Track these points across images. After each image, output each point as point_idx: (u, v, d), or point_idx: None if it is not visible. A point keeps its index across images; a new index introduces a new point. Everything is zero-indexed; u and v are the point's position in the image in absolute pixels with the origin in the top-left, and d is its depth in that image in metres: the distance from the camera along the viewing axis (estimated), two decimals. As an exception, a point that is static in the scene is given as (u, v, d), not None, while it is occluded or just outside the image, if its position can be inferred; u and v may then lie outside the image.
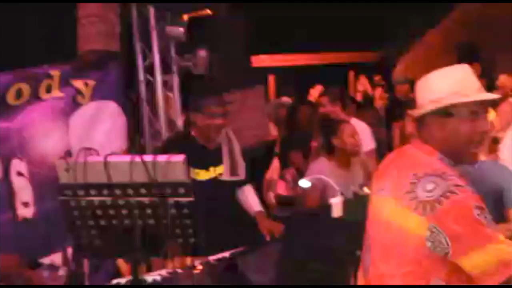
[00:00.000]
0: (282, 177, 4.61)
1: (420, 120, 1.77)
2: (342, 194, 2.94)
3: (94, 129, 3.89)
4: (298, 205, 4.11)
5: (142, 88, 4.75)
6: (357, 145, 3.81)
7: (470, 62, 8.46)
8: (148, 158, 2.15)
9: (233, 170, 3.35)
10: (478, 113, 1.70)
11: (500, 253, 1.57)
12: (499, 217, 2.95)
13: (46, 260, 3.28)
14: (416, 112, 1.77)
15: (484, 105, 1.74)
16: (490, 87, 8.10)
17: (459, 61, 9.79)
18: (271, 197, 4.62)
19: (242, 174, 3.39)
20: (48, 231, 3.44)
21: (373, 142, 4.98)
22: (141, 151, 4.40)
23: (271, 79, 8.47)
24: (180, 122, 4.81)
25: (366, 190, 3.25)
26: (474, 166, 2.94)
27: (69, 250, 3.20)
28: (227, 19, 5.11)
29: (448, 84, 1.72)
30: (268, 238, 3.13)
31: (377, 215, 1.80)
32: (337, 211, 2.72)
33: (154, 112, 4.77)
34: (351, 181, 3.72)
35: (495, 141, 3.68)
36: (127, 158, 2.17)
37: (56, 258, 3.35)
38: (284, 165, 4.73)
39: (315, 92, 7.25)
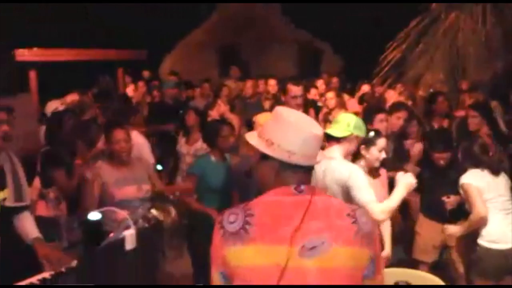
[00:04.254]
0: (43, 196, 4.33)
1: (313, 166, 1.85)
2: (134, 222, 3.02)
3: None
4: (63, 226, 4.02)
5: None
6: (124, 151, 4.04)
7: (230, 64, 9.30)
8: None
9: (18, 195, 3.13)
10: None
11: None
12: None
13: None
14: (319, 158, 1.85)
15: None
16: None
17: (220, 62, 10.64)
18: None
19: (27, 199, 3.21)
20: None
21: (151, 157, 5.14)
22: None
23: (32, 75, 7.88)
24: None
25: (154, 212, 3.39)
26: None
27: None
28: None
29: None
30: (46, 267, 3.04)
31: (326, 271, 1.69)
32: (130, 243, 2.77)
33: None
34: (133, 176, 4.00)
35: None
36: None
37: None
38: (45, 183, 4.42)
39: (72, 97, 7.00)
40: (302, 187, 1.78)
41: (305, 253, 1.68)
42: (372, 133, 3.85)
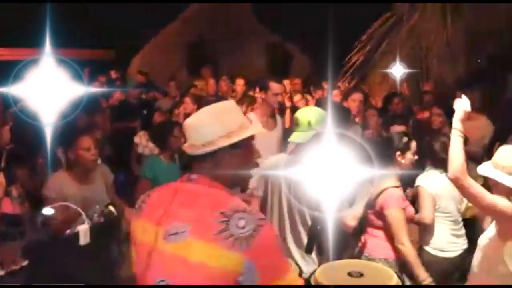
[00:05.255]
0: (8, 194, 4.17)
1: (208, 156, 1.83)
2: (90, 219, 3.00)
3: None
4: (28, 225, 3.97)
5: None
6: (92, 159, 3.79)
7: (199, 63, 9.19)
8: None
9: None
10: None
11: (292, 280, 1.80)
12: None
13: None
14: (209, 149, 1.81)
15: None
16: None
17: (188, 61, 10.50)
18: None
19: None
20: None
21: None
22: None
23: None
24: None
25: (111, 208, 3.36)
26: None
27: None
28: None
29: (236, 119, 1.87)
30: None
31: (177, 260, 1.72)
32: (84, 238, 2.75)
33: None
34: (92, 195, 3.72)
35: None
36: None
37: None
38: (10, 180, 4.24)
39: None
40: (194, 176, 1.88)
41: (167, 237, 1.78)
42: (405, 139, 3.78)
